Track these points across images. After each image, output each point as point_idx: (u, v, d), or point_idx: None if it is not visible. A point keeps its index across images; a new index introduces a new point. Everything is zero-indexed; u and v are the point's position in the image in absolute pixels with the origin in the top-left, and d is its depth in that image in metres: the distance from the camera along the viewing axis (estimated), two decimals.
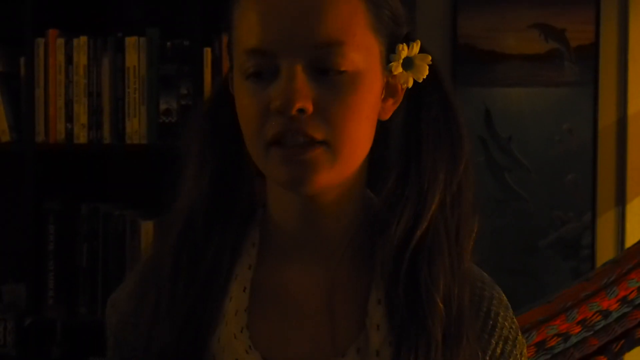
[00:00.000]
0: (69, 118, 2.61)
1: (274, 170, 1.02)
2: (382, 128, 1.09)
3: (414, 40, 1.07)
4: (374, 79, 1.04)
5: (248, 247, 1.10)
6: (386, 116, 1.08)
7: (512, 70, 2.72)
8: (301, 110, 0.99)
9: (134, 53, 2.58)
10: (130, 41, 2.58)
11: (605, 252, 2.70)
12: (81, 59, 2.60)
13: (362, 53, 1.02)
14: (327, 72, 1.00)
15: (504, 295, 1.13)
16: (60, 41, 2.60)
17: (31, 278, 2.65)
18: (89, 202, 2.67)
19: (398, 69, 1.06)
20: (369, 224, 1.08)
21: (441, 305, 1.04)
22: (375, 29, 1.04)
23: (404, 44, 1.06)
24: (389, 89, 1.08)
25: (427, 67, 1.07)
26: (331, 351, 1.05)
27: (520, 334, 1.12)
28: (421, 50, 1.08)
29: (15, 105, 2.67)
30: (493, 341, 1.09)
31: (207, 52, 2.56)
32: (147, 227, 2.62)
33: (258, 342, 1.06)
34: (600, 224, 2.73)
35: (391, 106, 1.08)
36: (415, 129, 1.08)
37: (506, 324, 1.10)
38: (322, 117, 1.00)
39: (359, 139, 1.04)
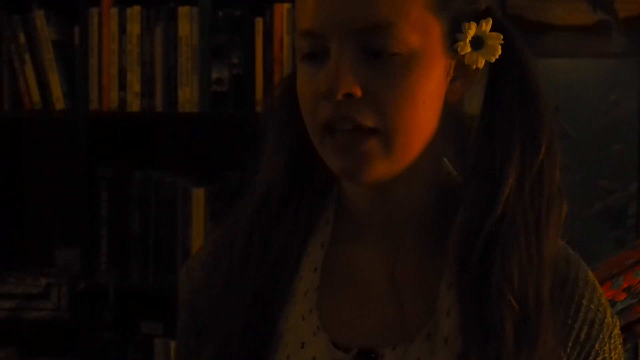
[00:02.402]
0: (122, 86, 2.65)
1: (329, 160, 1.00)
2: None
3: (485, 17, 1.00)
4: (433, 62, 0.99)
5: (322, 225, 1.08)
6: (455, 98, 1.02)
7: (560, 41, 2.72)
8: (348, 95, 0.96)
9: (186, 22, 2.61)
10: (183, 11, 2.61)
11: None
12: (134, 28, 2.64)
13: (417, 34, 0.97)
14: (379, 56, 0.96)
15: (590, 273, 1.07)
16: (114, 10, 2.64)
17: (85, 243, 2.70)
18: (141, 170, 2.71)
19: (465, 49, 1.00)
20: (442, 205, 1.05)
21: (515, 302, 0.98)
22: (435, 8, 0.99)
23: (472, 22, 1.00)
24: (460, 70, 1.01)
25: (500, 46, 1.00)
26: (399, 336, 1.01)
27: (609, 315, 1.05)
28: (496, 27, 1.01)
29: (70, 73, 2.71)
30: (576, 326, 1.02)
31: (259, 22, 2.58)
32: (198, 194, 2.66)
33: (326, 324, 1.03)
34: None
35: (461, 88, 1.03)
36: (489, 109, 1.02)
37: (592, 306, 1.04)
38: (372, 103, 0.96)
39: (415, 126, 0.98)
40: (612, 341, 1.05)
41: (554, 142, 1.03)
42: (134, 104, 2.64)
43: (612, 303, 2.09)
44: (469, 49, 1.00)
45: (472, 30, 1.00)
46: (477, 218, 1.00)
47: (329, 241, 1.07)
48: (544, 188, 1.02)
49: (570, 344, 1.02)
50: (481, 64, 1.01)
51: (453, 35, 1.00)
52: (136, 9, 2.64)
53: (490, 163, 1.00)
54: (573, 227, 1.08)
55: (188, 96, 2.62)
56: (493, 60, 1.01)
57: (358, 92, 0.96)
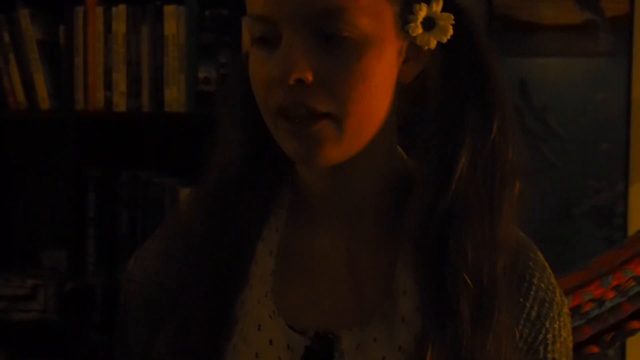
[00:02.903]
0: (108, 86, 2.63)
1: (283, 143, 0.99)
2: (421, 88, 1.03)
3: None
4: (385, 44, 0.98)
5: (278, 210, 1.08)
6: (407, 79, 1.02)
7: (548, 40, 2.72)
8: (300, 81, 0.95)
9: (173, 21, 2.59)
10: (169, 9, 2.60)
11: (637, 220, 2.73)
12: (120, 27, 2.62)
13: (369, 18, 0.96)
14: (330, 40, 0.96)
15: (540, 254, 1.09)
16: (99, 9, 2.62)
17: (72, 244, 2.69)
18: (129, 170, 2.70)
19: (417, 30, 1.00)
20: (396, 187, 1.05)
21: (469, 281, 0.99)
22: None
23: (423, 3, 1.00)
24: (412, 51, 1.02)
25: (451, 27, 1.00)
26: (356, 318, 1.02)
27: (559, 294, 1.07)
28: (447, 8, 1.01)
29: (55, 73, 2.69)
30: (527, 304, 1.05)
31: None
32: (185, 194, 2.64)
33: (282, 307, 1.03)
34: (633, 193, 2.75)
35: (413, 68, 1.03)
36: (442, 89, 1.02)
37: (542, 285, 1.06)
38: (325, 87, 0.96)
39: (368, 109, 0.98)
40: (562, 319, 1.07)
41: (506, 122, 1.02)
42: (121, 104, 2.63)
43: (601, 302, 2.10)
44: (420, 30, 1.01)
45: (423, 12, 1.00)
46: (431, 198, 1.00)
47: (284, 225, 1.07)
48: (497, 168, 1.02)
49: (522, 322, 1.04)
50: (433, 44, 1.01)
51: (405, 16, 1.00)
52: (122, 7, 2.62)
53: (443, 144, 1.01)
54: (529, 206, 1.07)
55: (175, 96, 2.60)
56: (445, 40, 1.01)
57: (310, 77, 0.95)
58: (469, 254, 1.00)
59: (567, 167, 2.75)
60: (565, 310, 1.07)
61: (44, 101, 2.68)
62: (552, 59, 2.74)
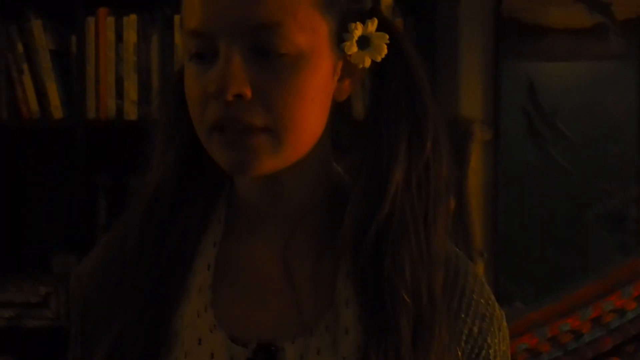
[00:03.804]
0: (119, 95, 2.66)
1: (217, 156, 0.98)
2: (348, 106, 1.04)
3: (371, 17, 1.02)
4: (320, 61, 0.99)
5: (214, 223, 1.06)
6: (342, 97, 1.03)
7: (557, 43, 2.72)
8: (238, 96, 0.94)
9: None
10: (179, 19, 2.60)
11: None
12: (131, 36, 2.65)
13: (305, 34, 0.97)
14: (267, 55, 0.95)
15: (478, 270, 1.09)
16: (110, 19, 2.65)
17: (82, 250, 2.70)
18: (138, 177, 2.71)
19: (352, 49, 1.00)
20: (333, 200, 1.05)
21: (407, 298, 0.99)
22: (322, 7, 0.99)
23: (358, 22, 1.01)
24: (347, 69, 1.02)
25: (385, 46, 1.01)
26: (299, 329, 1.01)
27: (497, 309, 1.07)
28: (381, 27, 1.02)
29: (67, 82, 2.71)
30: (469, 320, 1.04)
31: None
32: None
33: (223, 320, 1.02)
34: None
35: (348, 86, 1.03)
36: (374, 105, 1.03)
37: (482, 300, 1.06)
38: (262, 102, 0.95)
39: (305, 124, 0.98)
40: (501, 333, 1.06)
41: (439, 138, 1.03)
42: (131, 112, 2.65)
43: (623, 312, 2.07)
44: (355, 49, 1.01)
45: (358, 31, 1.01)
46: (366, 214, 1.00)
47: (220, 238, 1.06)
48: (431, 183, 1.02)
49: (464, 338, 1.03)
50: (367, 63, 1.02)
51: (340, 34, 1.00)
52: (132, 17, 2.65)
53: (377, 159, 1.01)
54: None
55: None
56: (379, 59, 1.01)
57: (248, 93, 0.95)
58: (406, 270, 0.99)
59: (577, 171, 2.74)
60: (504, 324, 1.07)
61: (57, 110, 2.70)
62: (562, 62, 2.74)
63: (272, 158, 0.97)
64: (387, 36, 1.02)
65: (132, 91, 2.65)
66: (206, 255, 1.05)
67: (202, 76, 0.96)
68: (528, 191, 2.73)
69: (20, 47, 2.70)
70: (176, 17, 2.62)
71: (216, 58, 0.96)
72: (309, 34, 0.97)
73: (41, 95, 2.71)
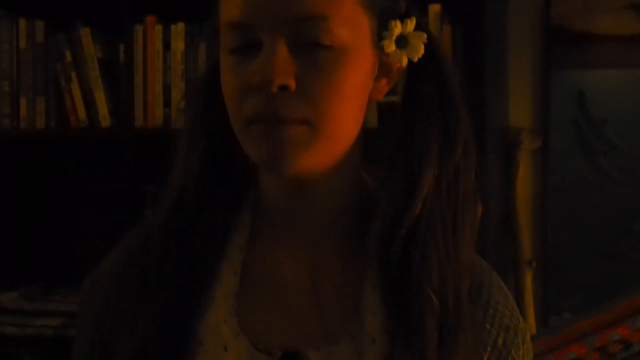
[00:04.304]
0: (167, 103, 2.65)
1: (254, 148, 0.97)
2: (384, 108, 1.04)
3: (409, 16, 1.02)
4: (362, 57, 0.99)
5: (240, 228, 1.05)
6: (379, 96, 1.03)
7: (607, 51, 2.69)
8: (283, 88, 0.94)
9: None
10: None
11: None
12: (178, 45, 2.65)
13: (349, 28, 0.96)
14: (311, 48, 0.95)
15: (502, 282, 1.09)
16: (158, 28, 2.66)
17: None
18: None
19: (390, 47, 1.00)
20: (360, 207, 1.04)
21: (435, 299, 0.98)
22: (365, 4, 0.98)
23: (398, 20, 1.01)
24: (383, 68, 1.02)
25: (423, 45, 1.01)
26: (323, 337, 1.00)
27: (522, 321, 1.07)
28: (418, 27, 1.02)
29: (115, 91, 2.72)
30: (494, 331, 1.04)
31: None
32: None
33: (247, 328, 1.01)
34: None
35: (385, 86, 1.03)
36: (408, 109, 1.03)
37: (507, 312, 1.05)
38: (304, 95, 0.95)
39: (343, 119, 0.98)
40: (525, 346, 1.06)
41: (469, 144, 1.03)
42: (179, 121, 2.65)
43: (629, 344, 2.05)
44: (393, 47, 1.01)
45: (397, 28, 1.01)
46: (395, 217, 1.00)
47: (246, 244, 1.05)
48: (460, 189, 1.02)
49: (489, 349, 1.03)
50: (405, 62, 1.01)
51: (379, 32, 1.00)
52: (180, 25, 2.65)
53: (408, 163, 1.01)
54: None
55: None
56: (416, 59, 1.01)
57: (293, 85, 0.94)
58: (434, 273, 0.99)
59: (627, 181, 2.71)
60: (528, 337, 1.07)
61: (105, 119, 2.71)
62: (611, 70, 2.71)
63: (308, 152, 0.96)
64: (425, 35, 1.02)
65: (179, 99, 2.64)
66: (232, 261, 1.04)
67: (242, 69, 0.96)
68: (577, 201, 2.70)
69: (68, 56, 2.71)
70: None
71: (257, 50, 0.95)
72: (352, 28, 0.97)
73: (89, 104, 2.71)
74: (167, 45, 2.66)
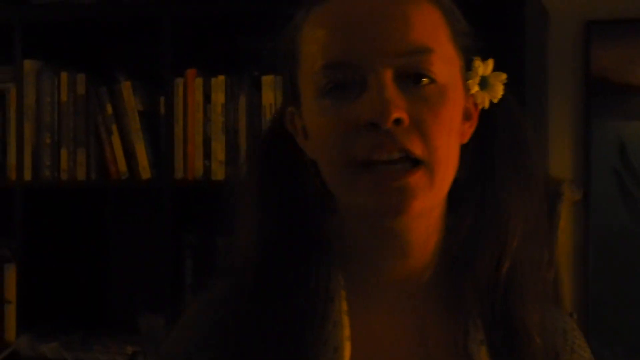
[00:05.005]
0: (207, 155, 2.66)
1: (364, 197, 0.93)
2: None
3: (485, 57, 1.00)
4: (458, 95, 0.97)
5: (337, 291, 1.00)
6: (464, 139, 1.00)
7: None
8: (397, 122, 0.91)
9: (270, 91, 2.62)
10: (267, 80, 2.63)
11: None
12: (219, 97, 2.66)
13: (448, 64, 0.95)
14: (416, 82, 0.93)
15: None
16: (199, 80, 2.67)
17: (169, 310, 2.71)
18: (225, 236, 2.71)
19: (475, 87, 0.98)
20: (450, 261, 1.02)
21: (539, 342, 0.99)
22: (455, 41, 0.97)
23: (479, 60, 0.99)
24: (467, 110, 1.00)
25: (502, 86, 0.99)
26: None
27: None
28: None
29: (155, 142, 2.74)
30: None
31: None
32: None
33: None
34: None
35: (468, 129, 1.01)
36: (488, 155, 1.01)
37: (586, 355, 1.06)
38: (417, 130, 0.92)
39: (449, 159, 0.96)
40: None
41: (542, 191, 1.02)
42: (219, 172, 2.66)
43: None
44: (477, 88, 0.99)
45: (481, 68, 0.98)
46: (490, 269, 0.99)
47: (348, 306, 1.01)
48: (539, 234, 1.02)
49: None
50: (487, 103, 0.99)
51: (464, 72, 0.98)
52: (220, 78, 2.67)
53: (495, 211, 0.99)
54: None
55: None
56: (496, 100, 0.99)
57: (407, 119, 0.91)
58: (537, 319, 0.99)
59: None
60: None
61: (145, 170, 2.72)
62: None
63: (425, 196, 0.93)
64: (505, 76, 0.99)
65: (219, 151, 2.65)
66: (343, 326, 0.99)
67: (343, 109, 0.93)
68: (619, 252, 2.68)
69: (109, 109, 2.74)
70: (264, 78, 2.63)
71: (361, 88, 0.93)
72: (450, 65, 0.96)
73: (129, 155, 2.73)
74: (207, 98, 2.67)
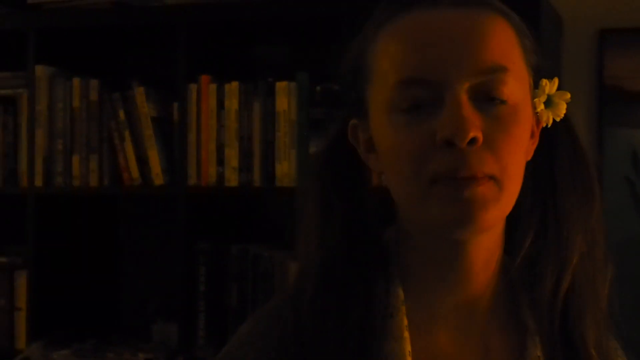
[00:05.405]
0: (220, 161, 2.66)
1: (436, 211, 0.94)
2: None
3: (551, 76, 1.01)
4: (528, 114, 0.98)
5: (397, 306, 1.01)
6: (529, 157, 1.01)
7: None
8: (473, 141, 0.91)
9: (284, 97, 2.63)
10: (281, 86, 2.63)
11: None
12: (232, 103, 2.66)
13: (520, 84, 0.96)
14: (489, 102, 0.94)
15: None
16: (212, 87, 2.66)
17: (182, 318, 2.70)
18: (239, 244, 2.72)
19: (540, 106, 1.00)
20: (510, 278, 1.03)
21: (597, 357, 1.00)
22: (526, 60, 0.98)
23: (546, 79, 1.00)
24: (531, 128, 1.01)
25: (565, 105, 1.01)
26: None
27: None
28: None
29: (169, 149, 2.73)
30: None
31: None
32: (295, 268, 2.64)
33: None
34: None
35: (531, 146, 1.02)
36: (549, 173, 1.02)
37: None
38: (491, 149, 0.93)
39: (518, 176, 0.97)
40: None
41: (601, 208, 1.04)
42: (232, 179, 2.65)
43: None
44: (543, 106, 1.00)
45: (547, 87, 1.00)
46: (550, 288, 1.00)
47: (407, 321, 1.01)
48: (597, 252, 1.03)
49: None
50: (550, 121, 1.01)
51: (532, 89, 1.00)
52: (234, 84, 2.66)
53: (556, 230, 1.00)
54: None
55: (286, 171, 2.62)
56: (559, 119, 1.01)
57: (481, 138, 0.92)
58: (594, 336, 1.01)
59: None
60: None
61: (158, 177, 2.71)
62: None
63: (496, 208, 0.94)
64: (569, 95, 1.01)
65: (233, 158, 2.65)
66: (402, 342, 0.99)
67: (418, 127, 0.94)
68: (631, 260, 2.68)
69: (122, 115, 2.73)
70: (278, 84, 2.63)
71: (437, 106, 0.93)
72: (522, 84, 0.97)
73: (142, 162, 2.72)
74: (221, 104, 2.66)
